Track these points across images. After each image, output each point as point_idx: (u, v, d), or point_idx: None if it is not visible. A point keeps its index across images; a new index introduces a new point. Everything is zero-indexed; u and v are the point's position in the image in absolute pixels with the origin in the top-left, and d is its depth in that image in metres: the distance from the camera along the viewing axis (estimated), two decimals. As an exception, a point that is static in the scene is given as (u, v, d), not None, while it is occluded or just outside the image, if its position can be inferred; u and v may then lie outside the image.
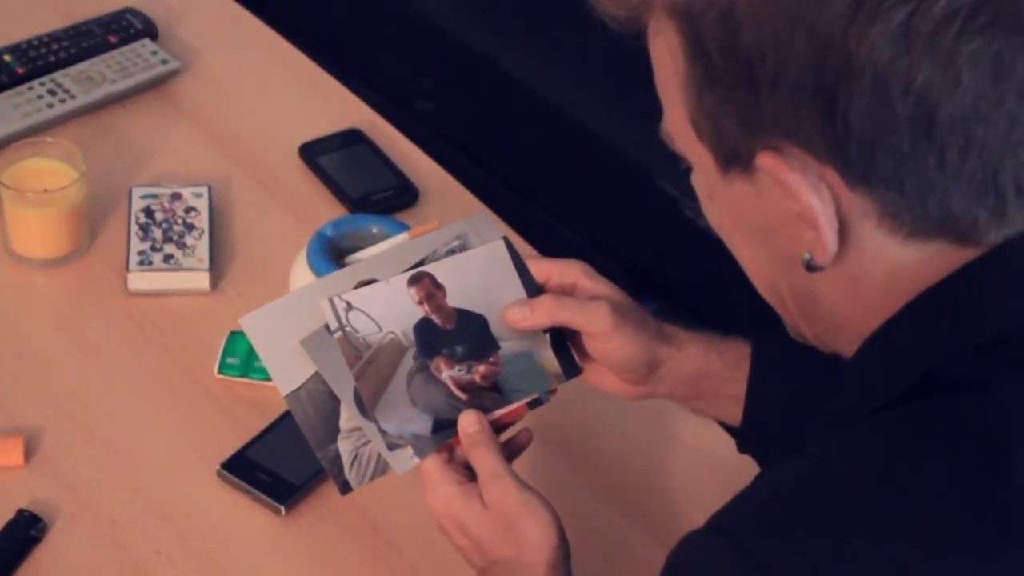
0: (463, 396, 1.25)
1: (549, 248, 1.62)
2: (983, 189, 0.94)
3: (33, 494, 1.38)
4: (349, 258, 1.52)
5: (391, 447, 1.22)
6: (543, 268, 1.32)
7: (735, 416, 1.36)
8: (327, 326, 1.24)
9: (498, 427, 1.26)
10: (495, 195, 1.74)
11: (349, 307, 1.25)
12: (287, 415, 1.44)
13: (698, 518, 1.41)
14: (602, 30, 1.10)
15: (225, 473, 1.41)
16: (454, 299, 1.29)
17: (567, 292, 1.32)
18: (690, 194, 1.97)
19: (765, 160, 0.96)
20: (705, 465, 1.47)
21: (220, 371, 1.49)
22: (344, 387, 1.24)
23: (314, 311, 1.26)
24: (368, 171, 1.70)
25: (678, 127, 1.03)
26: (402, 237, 1.51)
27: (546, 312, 1.28)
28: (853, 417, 1.00)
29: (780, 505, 0.96)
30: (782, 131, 0.95)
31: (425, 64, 2.21)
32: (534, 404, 1.28)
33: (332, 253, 1.51)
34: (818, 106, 0.93)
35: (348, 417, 1.24)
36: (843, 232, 0.97)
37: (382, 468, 1.23)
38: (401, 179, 1.70)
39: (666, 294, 2.01)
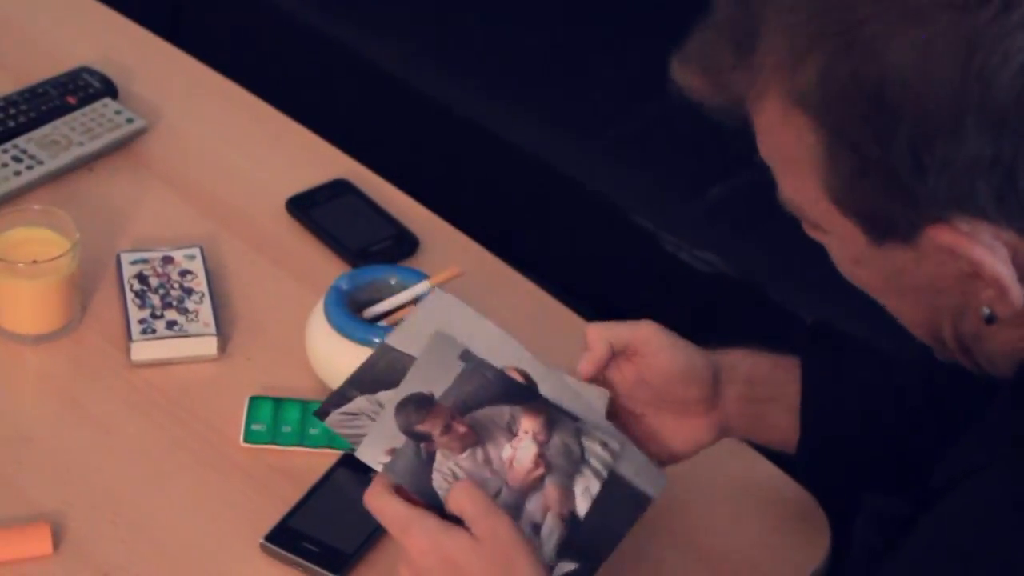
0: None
1: (518, 299, 1.58)
2: None
3: (68, 584, 1.29)
4: (368, 311, 1.46)
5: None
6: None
7: (794, 435, 1.32)
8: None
9: None
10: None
11: None
12: (326, 479, 1.38)
13: (757, 551, 1.39)
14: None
15: (270, 546, 1.32)
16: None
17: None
18: (668, 226, 1.96)
19: (940, 236, 0.94)
20: (751, 494, 1.43)
21: (246, 439, 1.41)
22: None
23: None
24: (362, 222, 1.63)
25: (808, 199, 1.00)
26: (423, 286, 1.46)
27: (597, 334, 1.28)
28: None
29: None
30: (953, 205, 0.93)
31: (387, 114, 2.15)
32: None
33: (350, 306, 1.45)
34: (996, 178, 0.92)
35: None
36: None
37: None
38: (398, 228, 1.63)
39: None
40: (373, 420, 1.20)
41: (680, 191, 1.99)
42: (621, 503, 1.23)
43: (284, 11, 2.23)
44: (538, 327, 1.56)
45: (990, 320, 0.97)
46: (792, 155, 0.98)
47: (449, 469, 1.19)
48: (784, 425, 1.32)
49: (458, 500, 1.16)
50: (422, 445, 1.20)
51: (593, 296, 1.96)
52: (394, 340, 1.26)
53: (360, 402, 1.22)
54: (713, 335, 1.94)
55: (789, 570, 1.39)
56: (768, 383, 1.31)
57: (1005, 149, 0.91)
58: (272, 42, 2.28)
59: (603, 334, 1.28)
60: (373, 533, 1.33)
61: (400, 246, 1.61)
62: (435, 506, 1.17)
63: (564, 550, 1.19)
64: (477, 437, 1.21)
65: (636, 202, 1.98)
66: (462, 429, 1.22)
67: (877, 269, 1.01)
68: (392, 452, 1.19)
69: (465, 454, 1.20)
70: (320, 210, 1.64)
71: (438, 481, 1.18)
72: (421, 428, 1.20)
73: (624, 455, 1.25)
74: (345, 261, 1.59)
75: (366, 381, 1.24)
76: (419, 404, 1.22)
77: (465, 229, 1.68)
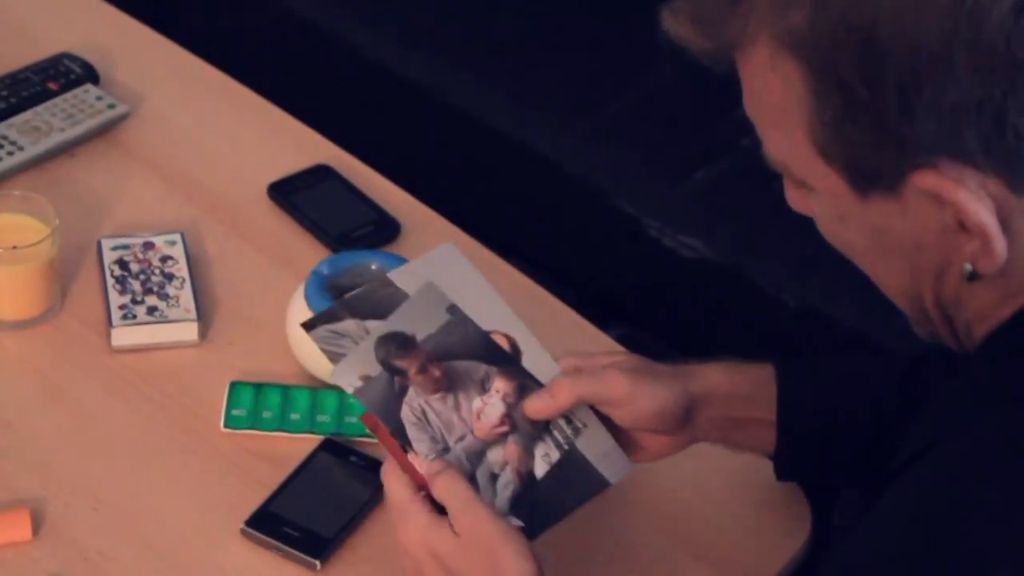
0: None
1: (500, 283, 1.57)
2: None
3: (48, 569, 1.28)
4: (349, 296, 1.45)
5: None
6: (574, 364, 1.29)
7: (772, 443, 1.32)
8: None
9: None
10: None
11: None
12: (306, 464, 1.38)
13: (739, 536, 1.39)
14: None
15: (250, 531, 1.32)
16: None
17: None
18: (652, 212, 1.96)
19: (926, 180, 0.93)
20: (743, 485, 1.43)
21: (226, 424, 1.41)
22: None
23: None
24: (344, 207, 1.63)
25: (794, 153, 0.99)
26: (404, 271, 1.45)
27: (567, 393, 1.25)
28: (997, 400, 0.97)
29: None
30: (940, 150, 0.92)
31: (369, 100, 2.15)
32: None
33: (331, 291, 1.44)
34: (984, 121, 0.91)
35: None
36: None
37: None
38: (379, 213, 1.63)
39: (632, 319, 1.97)
40: (357, 344, 1.23)
41: (664, 176, 1.99)
42: (577, 479, 1.25)
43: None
44: (520, 311, 1.55)
45: (972, 277, 0.96)
46: (779, 103, 0.97)
47: (419, 405, 1.22)
48: (760, 436, 1.32)
49: (440, 492, 1.17)
50: (396, 379, 1.22)
51: (577, 282, 1.96)
52: (396, 275, 1.28)
53: (349, 324, 1.25)
54: (696, 321, 1.95)
55: (770, 555, 1.39)
56: (745, 402, 1.30)
57: (994, 92, 0.90)
58: (254, 28, 2.27)
59: (573, 390, 1.25)
60: (353, 518, 1.34)
61: (382, 231, 1.61)
62: (400, 437, 1.20)
63: (516, 505, 1.21)
64: (450, 384, 1.24)
65: (620, 187, 1.98)
66: (437, 373, 1.24)
67: (861, 226, 1.00)
68: (366, 379, 1.21)
69: (437, 395, 1.23)
70: (301, 196, 1.63)
71: (406, 414, 1.21)
72: (399, 363, 1.23)
73: (589, 436, 1.26)
74: (326, 246, 1.59)
75: (359, 307, 1.26)
76: (401, 342, 1.24)
77: (448, 215, 1.67)
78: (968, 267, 0.96)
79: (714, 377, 1.29)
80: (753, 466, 1.41)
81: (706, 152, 1.98)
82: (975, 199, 0.92)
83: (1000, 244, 0.94)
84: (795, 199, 1.06)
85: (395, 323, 1.24)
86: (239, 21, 2.27)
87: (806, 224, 1.95)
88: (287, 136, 1.73)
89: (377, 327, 1.24)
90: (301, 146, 1.71)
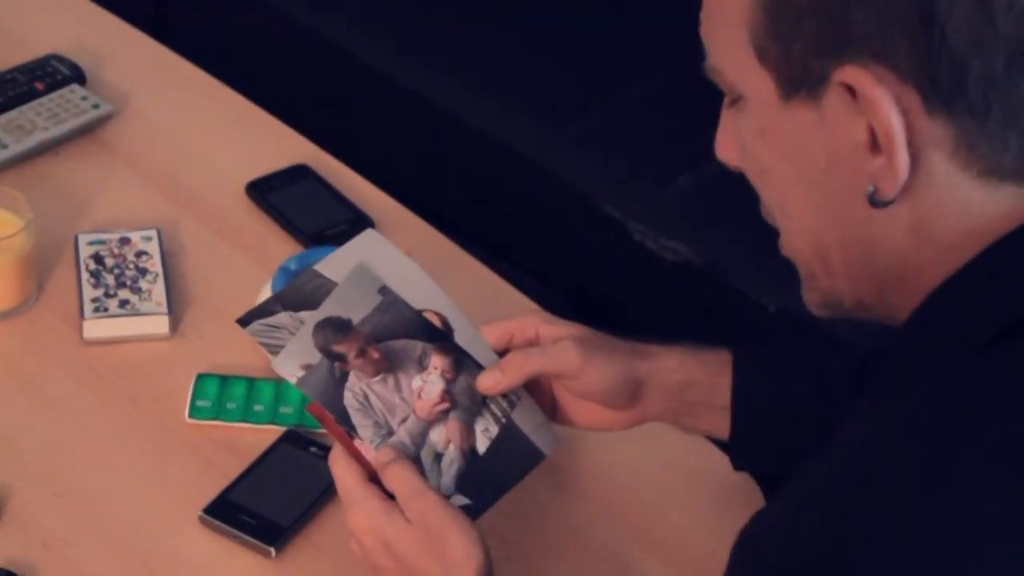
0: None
1: (488, 286, 1.60)
2: None
3: (8, 554, 1.31)
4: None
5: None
6: (505, 328, 1.31)
7: (725, 428, 1.33)
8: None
9: None
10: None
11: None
12: (267, 455, 1.40)
13: (697, 534, 1.40)
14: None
15: (208, 518, 1.34)
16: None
17: (532, 344, 1.30)
18: (637, 216, 1.98)
19: (848, 73, 0.93)
20: (699, 481, 1.44)
21: (191, 415, 1.43)
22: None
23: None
24: (320, 206, 1.65)
25: (731, 54, 0.99)
26: (370, 267, 1.47)
27: (517, 369, 1.26)
28: (926, 368, 0.96)
29: (873, 474, 0.92)
30: (867, 48, 0.92)
31: (355, 101, 2.17)
32: None
33: (298, 286, 1.46)
34: (914, 19, 0.90)
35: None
36: (913, 163, 0.94)
37: None
38: (354, 212, 1.65)
39: (614, 322, 1.98)
40: (293, 334, 1.25)
41: (648, 180, 2.01)
42: (516, 452, 1.27)
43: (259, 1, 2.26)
44: (492, 311, 1.57)
45: (874, 202, 0.96)
46: None
47: (361, 390, 1.24)
48: (712, 421, 1.33)
49: (391, 481, 1.19)
50: (336, 364, 1.24)
51: (560, 285, 1.98)
52: (322, 267, 1.30)
53: (282, 317, 1.27)
54: (678, 324, 1.96)
55: (726, 550, 1.40)
56: (698, 387, 1.31)
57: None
58: (239, 29, 2.30)
59: (523, 369, 1.26)
60: (310, 507, 1.35)
61: (356, 230, 1.60)
62: (345, 423, 1.22)
63: (461, 482, 1.23)
64: (389, 364, 1.26)
65: (604, 191, 2.00)
66: (376, 355, 1.26)
67: (779, 141, 0.99)
68: (307, 367, 1.23)
69: (377, 378, 1.25)
70: (278, 194, 1.66)
71: (349, 400, 1.23)
72: (337, 348, 1.25)
73: (523, 409, 1.28)
74: (301, 244, 1.61)
75: (290, 300, 1.28)
76: (337, 327, 1.26)
77: (432, 216, 1.69)
78: (871, 189, 0.95)
79: (669, 360, 1.31)
80: (711, 463, 1.42)
81: (691, 157, 1.99)
82: (889, 101, 0.92)
83: (902, 159, 0.93)
84: (724, 136, 1.06)
85: (330, 308, 1.26)
86: (224, 23, 2.30)
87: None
88: (268, 136, 1.75)
89: (312, 315, 1.26)
90: (281, 145, 1.74)
